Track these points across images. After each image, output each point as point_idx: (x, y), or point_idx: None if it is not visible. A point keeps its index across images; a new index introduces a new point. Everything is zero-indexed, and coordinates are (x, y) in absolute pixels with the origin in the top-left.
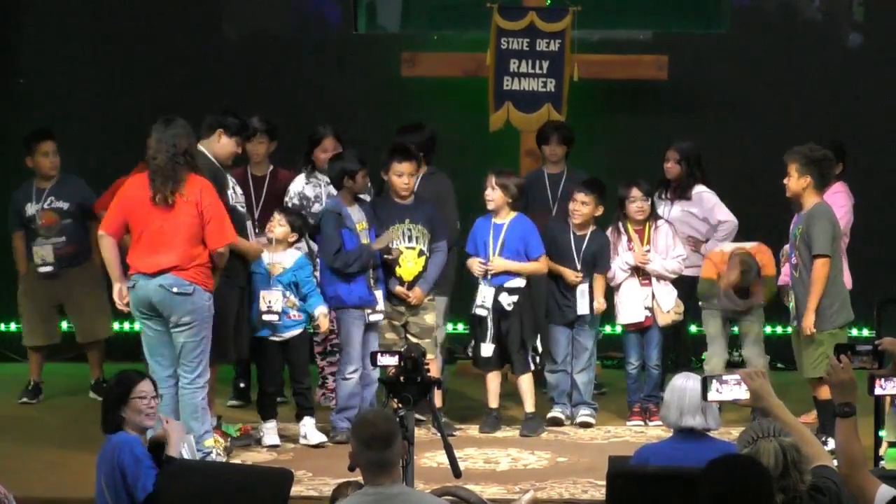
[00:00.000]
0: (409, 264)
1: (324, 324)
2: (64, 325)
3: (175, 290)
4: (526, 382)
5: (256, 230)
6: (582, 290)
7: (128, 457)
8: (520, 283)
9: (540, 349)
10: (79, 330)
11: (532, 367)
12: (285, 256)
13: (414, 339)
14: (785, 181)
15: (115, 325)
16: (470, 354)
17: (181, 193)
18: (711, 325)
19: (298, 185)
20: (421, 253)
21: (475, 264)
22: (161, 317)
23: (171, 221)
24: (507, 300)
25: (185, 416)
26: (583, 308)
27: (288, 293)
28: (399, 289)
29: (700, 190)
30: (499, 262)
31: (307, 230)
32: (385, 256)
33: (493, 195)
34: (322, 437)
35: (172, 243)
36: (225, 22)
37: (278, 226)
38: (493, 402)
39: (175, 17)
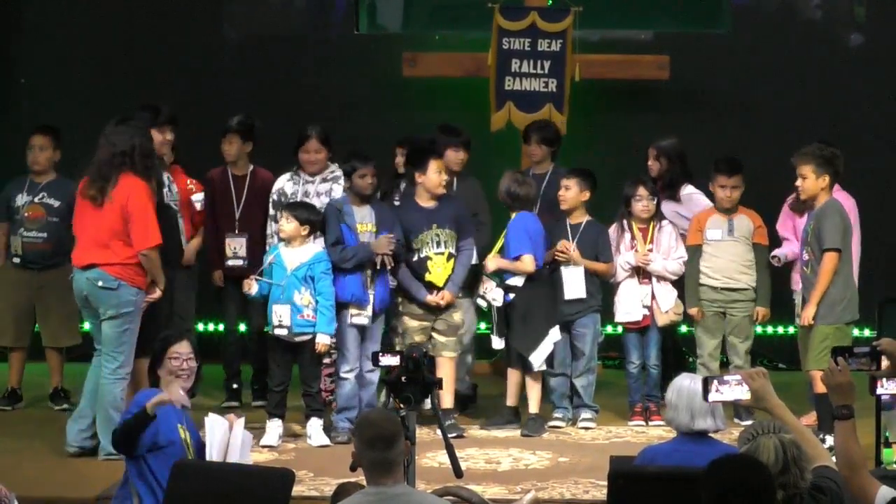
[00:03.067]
0: (439, 269)
1: (320, 348)
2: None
3: (100, 283)
4: (532, 384)
5: (237, 230)
6: (569, 272)
7: (133, 405)
8: (517, 281)
9: (537, 361)
10: (44, 333)
11: (534, 370)
12: (302, 251)
13: (440, 337)
14: (798, 183)
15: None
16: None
17: (109, 194)
18: (707, 319)
19: (282, 182)
20: (450, 256)
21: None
22: (90, 311)
23: (99, 219)
24: (493, 295)
25: (104, 405)
26: (569, 292)
27: (303, 288)
28: (430, 297)
29: (690, 191)
30: (489, 262)
31: (318, 219)
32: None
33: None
34: (326, 441)
35: (100, 240)
36: (225, 22)
37: (286, 223)
38: (511, 401)
39: (175, 17)
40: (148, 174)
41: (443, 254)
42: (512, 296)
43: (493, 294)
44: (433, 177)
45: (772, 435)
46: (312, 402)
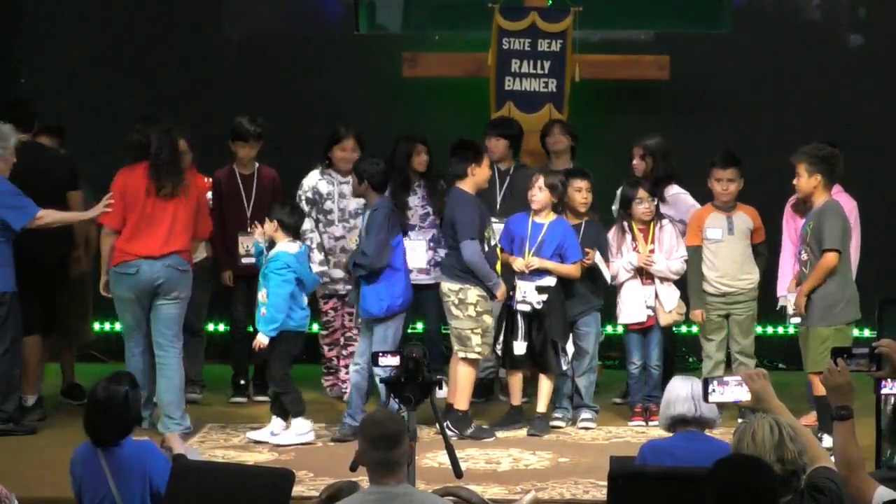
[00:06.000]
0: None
1: (255, 345)
2: None
3: (181, 268)
4: (547, 383)
5: (249, 229)
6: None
7: (162, 462)
8: (550, 281)
9: (571, 350)
10: (58, 332)
11: (563, 368)
12: (276, 249)
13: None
14: (794, 182)
15: (97, 326)
16: (499, 353)
17: (184, 185)
18: (708, 325)
19: (312, 180)
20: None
21: (517, 262)
22: (146, 299)
23: (172, 210)
24: (537, 298)
25: (177, 381)
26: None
27: (265, 288)
28: (500, 293)
29: (676, 191)
30: (535, 260)
31: (291, 220)
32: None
33: (541, 196)
34: (290, 440)
35: (178, 229)
36: (225, 22)
37: (267, 230)
38: (515, 401)
39: (175, 17)
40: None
41: (498, 243)
42: (545, 296)
43: (533, 296)
44: (486, 171)
45: (767, 415)
46: (274, 401)
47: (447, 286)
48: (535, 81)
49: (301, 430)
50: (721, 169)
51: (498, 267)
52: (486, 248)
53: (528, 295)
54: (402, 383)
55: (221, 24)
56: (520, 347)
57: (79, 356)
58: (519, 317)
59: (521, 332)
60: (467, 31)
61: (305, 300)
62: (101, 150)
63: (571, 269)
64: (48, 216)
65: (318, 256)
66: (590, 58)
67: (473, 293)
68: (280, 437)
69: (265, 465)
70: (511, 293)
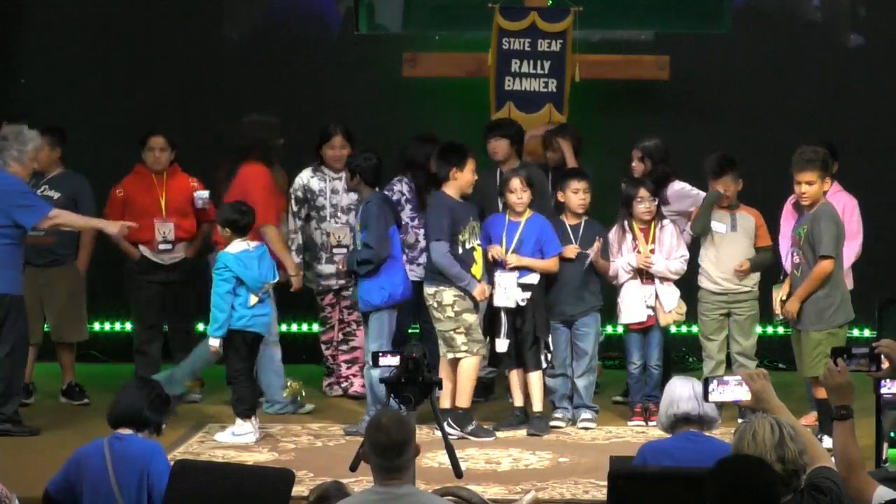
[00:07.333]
0: (478, 261)
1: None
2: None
3: None
4: (536, 381)
5: None
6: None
7: (163, 465)
8: (533, 279)
9: (552, 346)
10: (52, 330)
11: (544, 365)
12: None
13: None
14: (802, 191)
15: (97, 326)
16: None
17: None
18: (709, 324)
19: (304, 178)
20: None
21: (494, 249)
22: None
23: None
24: (520, 296)
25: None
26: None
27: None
28: (477, 291)
29: (679, 187)
30: (514, 257)
31: (236, 217)
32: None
33: (525, 196)
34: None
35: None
36: (225, 22)
37: (223, 234)
38: (519, 401)
39: (175, 17)
40: None
41: (480, 246)
42: (529, 294)
43: (515, 293)
44: (469, 175)
45: (767, 415)
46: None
47: (427, 290)
48: (535, 81)
49: (240, 431)
50: (714, 179)
51: (477, 269)
52: (461, 251)
53: (510, 289)
54: (402, 383)
55: (221, 24)
56: (502, 345)
57: (78, 356)
58: (502, 314)
59: (504, 329)
60: (467, 31)
61: (253, 299)
62: (100, 150)
63: (549, 265)
64: (61, 216)
65: (295, 259)
66: (590, 58)
67: (449, 294)
68: (218, 434)
69: (265, 465)
70: (492, 291)
